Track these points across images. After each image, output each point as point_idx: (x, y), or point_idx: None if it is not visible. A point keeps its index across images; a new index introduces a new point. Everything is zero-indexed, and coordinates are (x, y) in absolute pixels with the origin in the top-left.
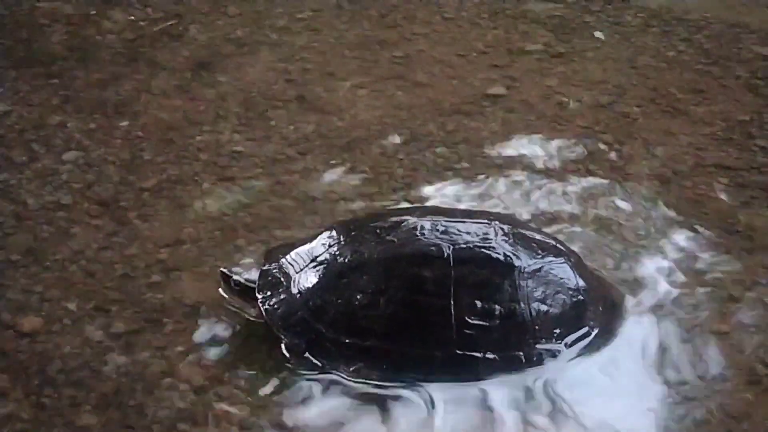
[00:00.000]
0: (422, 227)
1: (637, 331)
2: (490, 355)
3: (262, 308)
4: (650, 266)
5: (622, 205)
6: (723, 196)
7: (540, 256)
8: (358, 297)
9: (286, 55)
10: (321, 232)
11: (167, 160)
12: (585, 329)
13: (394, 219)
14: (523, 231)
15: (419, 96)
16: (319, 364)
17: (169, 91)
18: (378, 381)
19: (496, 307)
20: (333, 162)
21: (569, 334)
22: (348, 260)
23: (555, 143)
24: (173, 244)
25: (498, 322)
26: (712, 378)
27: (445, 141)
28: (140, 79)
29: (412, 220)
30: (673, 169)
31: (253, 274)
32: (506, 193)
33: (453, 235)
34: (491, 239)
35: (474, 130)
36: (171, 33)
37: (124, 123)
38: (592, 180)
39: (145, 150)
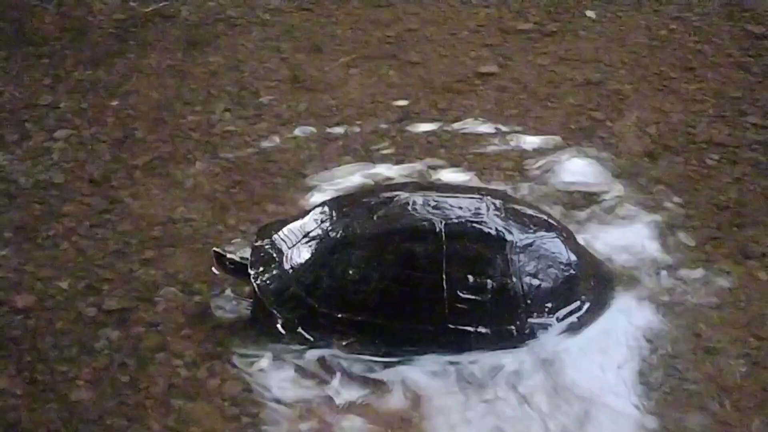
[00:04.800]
0: (414, 202)
1: (629, 305)
2: (481, 329)
3: (254, 284)
4: (641, 241)
5: (614, 182)
6: (714, 173)
7: (532, 231)
8: (351, 272)
9: (278, 34)
10: (313, 208)
11: (159, 139)
12: (577, 303)
13: (386, 194)
14: (514, 206)
15: (411, 75)
16: (312, 338)
17: (160, 71)
18: (370, 355)
19: (488, 281)
20: (325, 140)
21: (561, 308)
22: (340, 235)
23: (547, 121)
24: (166, 222)
25: (490, 296)
26: (704, 351)
27: (437, 119)
28: (132, 58)
29: (403, 195)
30: (665, 145)
31: (246, 252)
32: (498, 169)
33: (445, 210)
34: (483, 214)
35: (466, 108)
36: (163, 13)
37: (116, 102)
38: (584, 157)
39: (137, 129)
